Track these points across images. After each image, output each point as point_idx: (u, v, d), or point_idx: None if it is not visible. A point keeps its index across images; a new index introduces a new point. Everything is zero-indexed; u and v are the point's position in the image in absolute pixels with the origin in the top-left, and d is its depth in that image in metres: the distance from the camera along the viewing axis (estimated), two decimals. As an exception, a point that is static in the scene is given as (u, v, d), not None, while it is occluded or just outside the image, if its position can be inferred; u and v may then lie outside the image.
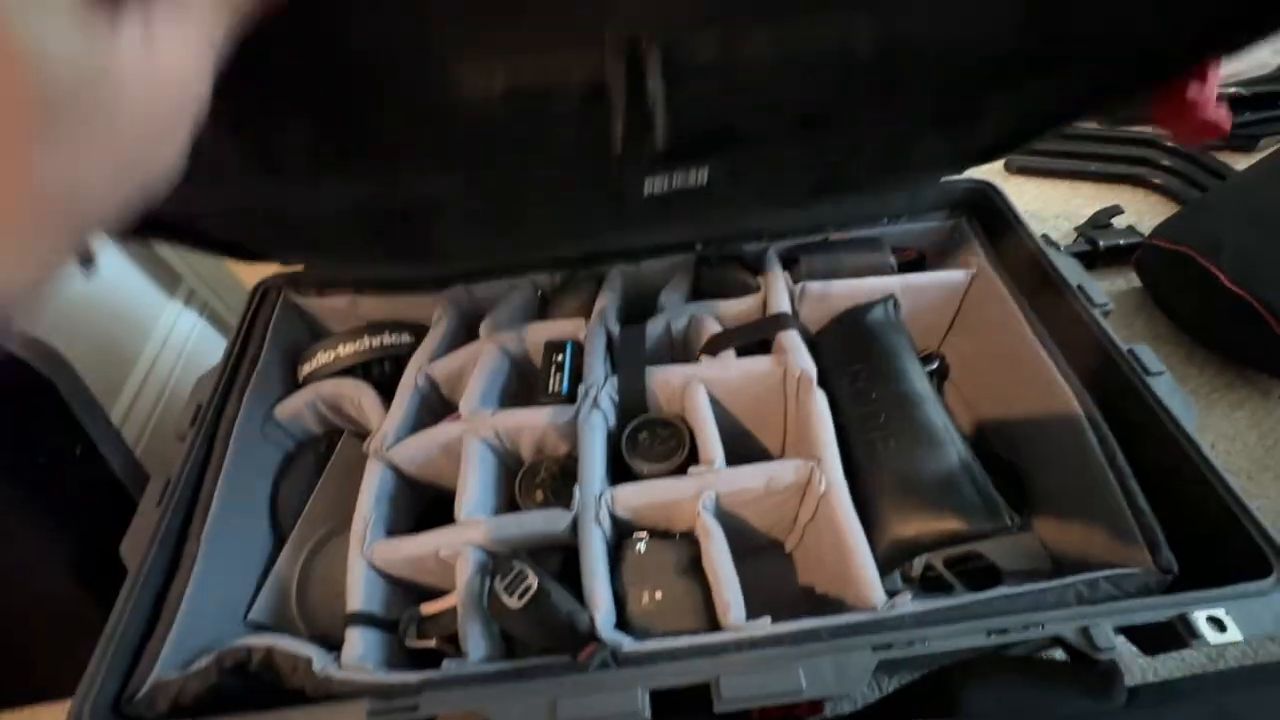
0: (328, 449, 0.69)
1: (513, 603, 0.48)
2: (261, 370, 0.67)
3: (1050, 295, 0.62)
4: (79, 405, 0.61)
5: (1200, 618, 0.42)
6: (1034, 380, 0.59)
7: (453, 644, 0.52)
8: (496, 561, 0.51)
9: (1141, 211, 1.02)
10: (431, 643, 0.53)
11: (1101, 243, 0.94)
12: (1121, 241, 0.94)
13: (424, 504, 0.68)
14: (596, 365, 0.63)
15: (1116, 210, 1.00)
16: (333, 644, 0.52)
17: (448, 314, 0.72)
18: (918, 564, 0.56)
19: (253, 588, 0.59)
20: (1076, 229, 1.00)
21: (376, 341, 0.69)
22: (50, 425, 0.58)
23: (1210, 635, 0.41)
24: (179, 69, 0.20)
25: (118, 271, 0.83)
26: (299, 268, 0.75)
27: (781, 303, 0.66)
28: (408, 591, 0.58)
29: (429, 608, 0.57)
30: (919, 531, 0.51)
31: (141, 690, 0.47)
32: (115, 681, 0.48)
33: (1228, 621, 0.41)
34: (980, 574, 0.59)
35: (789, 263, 0.72)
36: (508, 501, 0.62)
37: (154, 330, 0.86)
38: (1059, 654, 0.48)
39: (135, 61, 0.19)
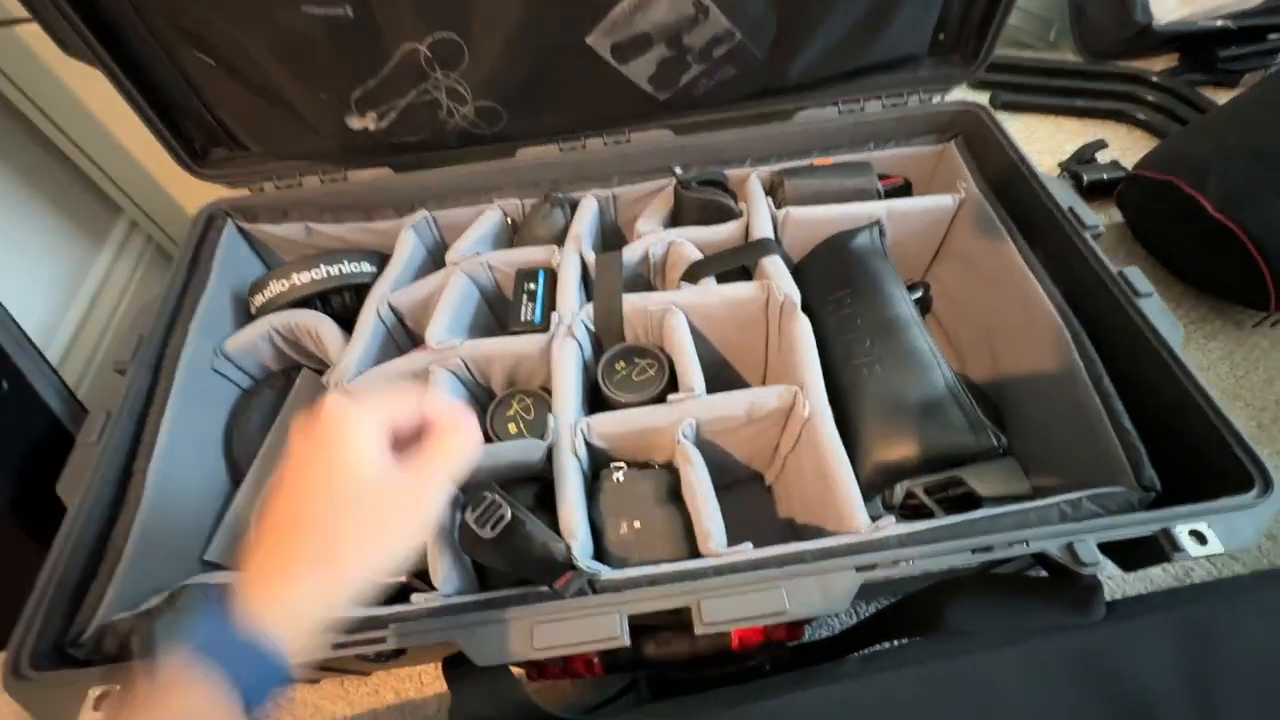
0: (287, 385, 0.65)
1: (485, 533, 0.45)
2: (209, 301, 0.62)
3: (1040, 218, 0.60)
4: (7, 340, 0.56)
5: (1183, 531, 0.41)
6: (1020, 304, 0.58)
7: (424, 580, 0.50)
8: (468, 493, 0.49)
9: (1126, 147, 1.01)
10: (401, 578, 0.51)
11: (1085, 177, 0.92)
12: (1105, 176, 0.92)
13: (391, 442, 0.65)
14: (570, 293, 0.60)
15: (1100, 145, 0.98)
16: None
17: (411, 242, 0.67)
18: (899, 491, 0.56)
19: (209, 527, 0.56)
20: (1060, 164, 0.98)
21: (334, 270, 0.65)
22: None
23: (1192, 548, 0.41)
24: (431, 497, 0.32)
25: (52, 205, 0.76)
26: (245, 192, 0.69)
27: (764, 228, 0.63)
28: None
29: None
30: (904, 455, 0.50)
31: (88, 631, 0.45)
32: (58, 622, 0.45)
33: (1209, 535, 0.41)
34: (960, 502, 0.58)
35: (772, 188, 0.69)
36: (484, 434, 0.59)
37: (94, 266, 0.80)
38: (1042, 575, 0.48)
39: (406, 485, 0.31)
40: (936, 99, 0.71)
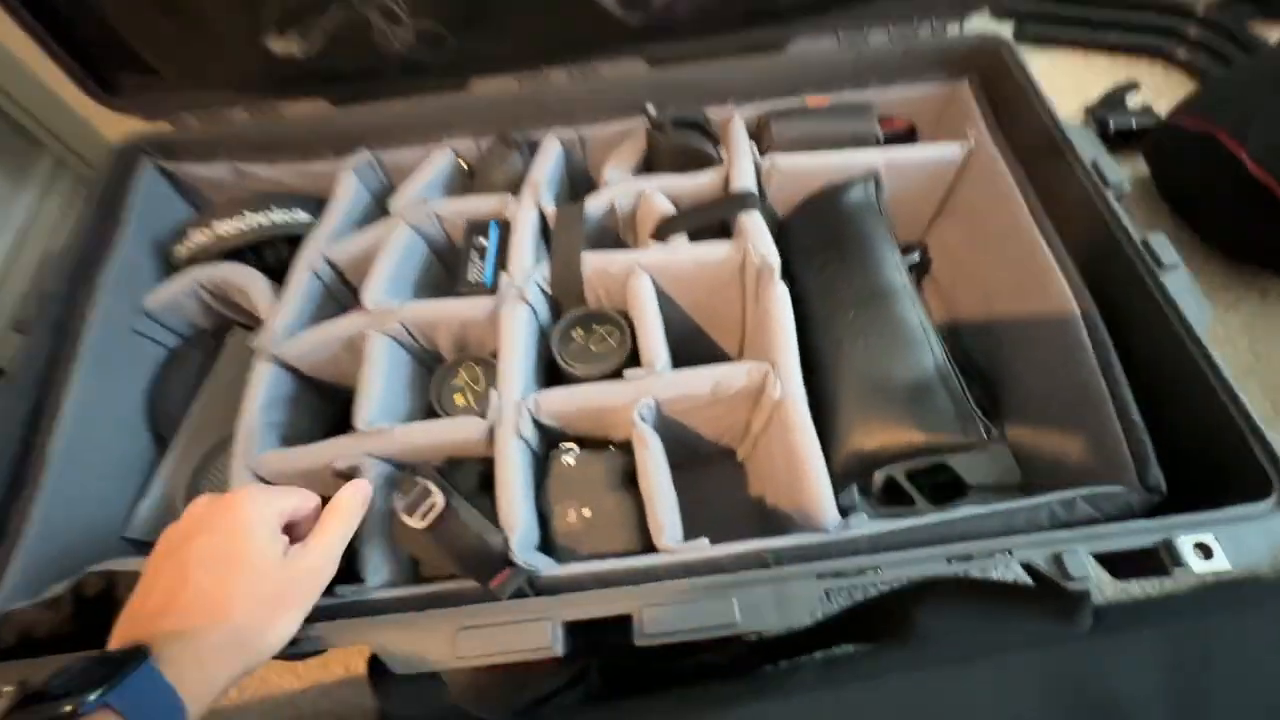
0: (217, 345, 0.60)
1: (414, 522, 0.41)
2: (126, 251, 0.56)
3: (1058, 172, 0.53)
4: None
5: (1186, 544, 0.37)
6: (1026, 270, 0.52)
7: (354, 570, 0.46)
8: (399, 480, 0.44)
9: (1159, 89, 0.91)
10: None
11: (1112, 123, 0.83)
12: (1134, 122, 0.83)
13: (337, 408, 0.60)
14: (525, 249, 0.54)
15: (1132, 86, 0.88)
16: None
17: (352, 186, 0.60)
18: (878, 477, 0.51)
19: (127, 500, 0.52)
20: (1086, 108, 0.89)
21: (263, 219, 0.58)
22: None
23: (1195, 563, 0.36)
24: (320, 563, 0.37)
25: None
26: (167, 128, 0.62)
27: (746, 178, 0.55)
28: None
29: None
30: (882, 443, 0.45)
31: (-18, 619, 0.41)
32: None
33: (1216, 549, 0.37)
34: (945, 487, 0.54)
35: (758, 131, 0.61)
36: (426, 407, 0.55)
37: (14, 208, 0.73)
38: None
39: (297, 558, 0.36)
40: (952, 30, 0.62)
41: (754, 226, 0.52)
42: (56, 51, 0.56)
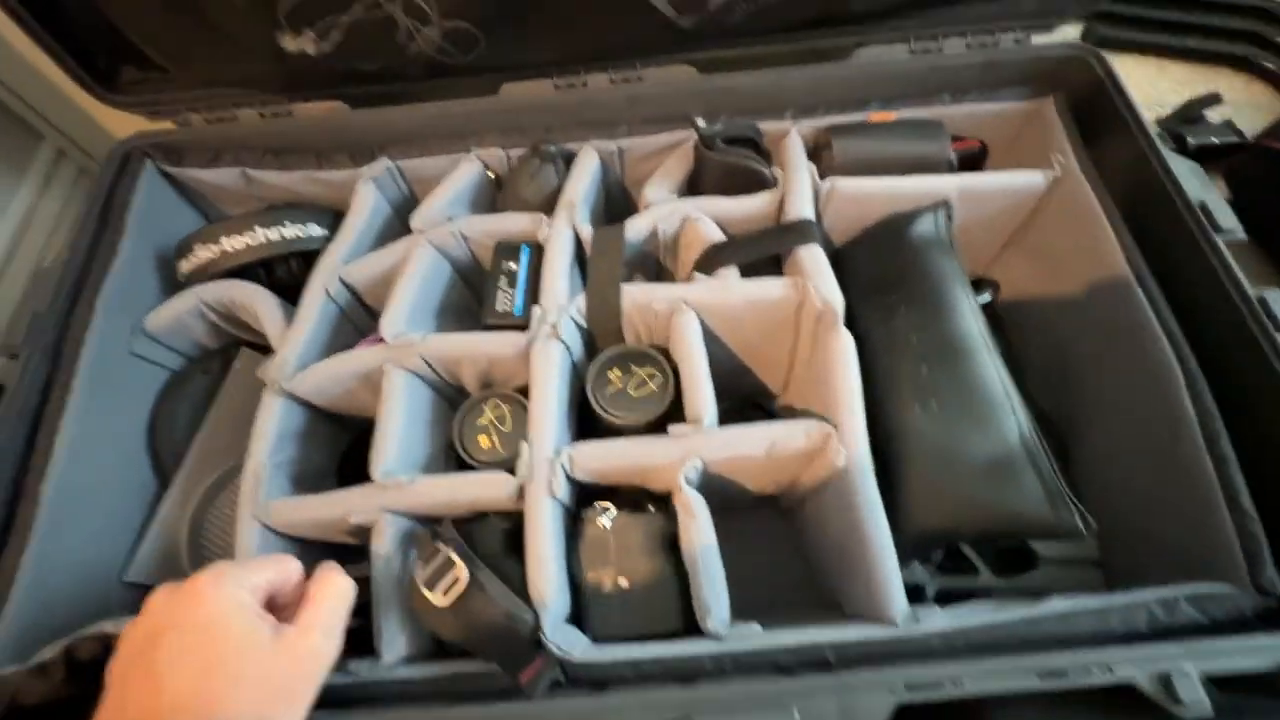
0: (224, 366, 0.56)
1: (436, 599, 0.37)
2: (123, 266, 0.52)
3: (1157, 212, 0.47)
4: None
5: (1316, 667, 0.32)
6: (1115, 322, 0.46)
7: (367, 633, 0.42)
8: (419, 542, 0.40)
9: (1241, 104, 0.84)
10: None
11: (1191, 140, 0.76)
12: (1215, 139, 0.76)
13: (351, 435, 0.56)
14: (559, 278, 0.49)
15: (1213, 100, 0.81)
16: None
17: (371, 199, 0.55)
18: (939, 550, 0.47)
19: (128, 539, 0.48)
20: (1159, 121, 0.82)
21: (273, 235, 0.53)
22: None
23: (1326, 693, 0.32)
24: (320, 641, 0.33)
25: None
26: (169, 125, 0.57)
27: (803, 204, 0.50)
28: (322, 551, 0.48)
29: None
30: (956, 522, 0.40)
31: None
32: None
33: (1353, 676, 0.32)
34: (1011, 554, 0.49)
35: (816, 148, 0.56)
36: (447, 444, 0.50)
37: (14, 202, 0.68)
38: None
39: (293, 639, 0.32)
40: (1036, 39, 0.56)
41: (815, 264, 0.47)
42: (50, 44, 0.51)
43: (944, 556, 0.49)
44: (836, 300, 0.45)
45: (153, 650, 0.30)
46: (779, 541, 0.55)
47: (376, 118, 0.56)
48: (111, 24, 0.51)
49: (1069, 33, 0.59)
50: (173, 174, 0.57)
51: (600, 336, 0.50)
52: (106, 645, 0.40)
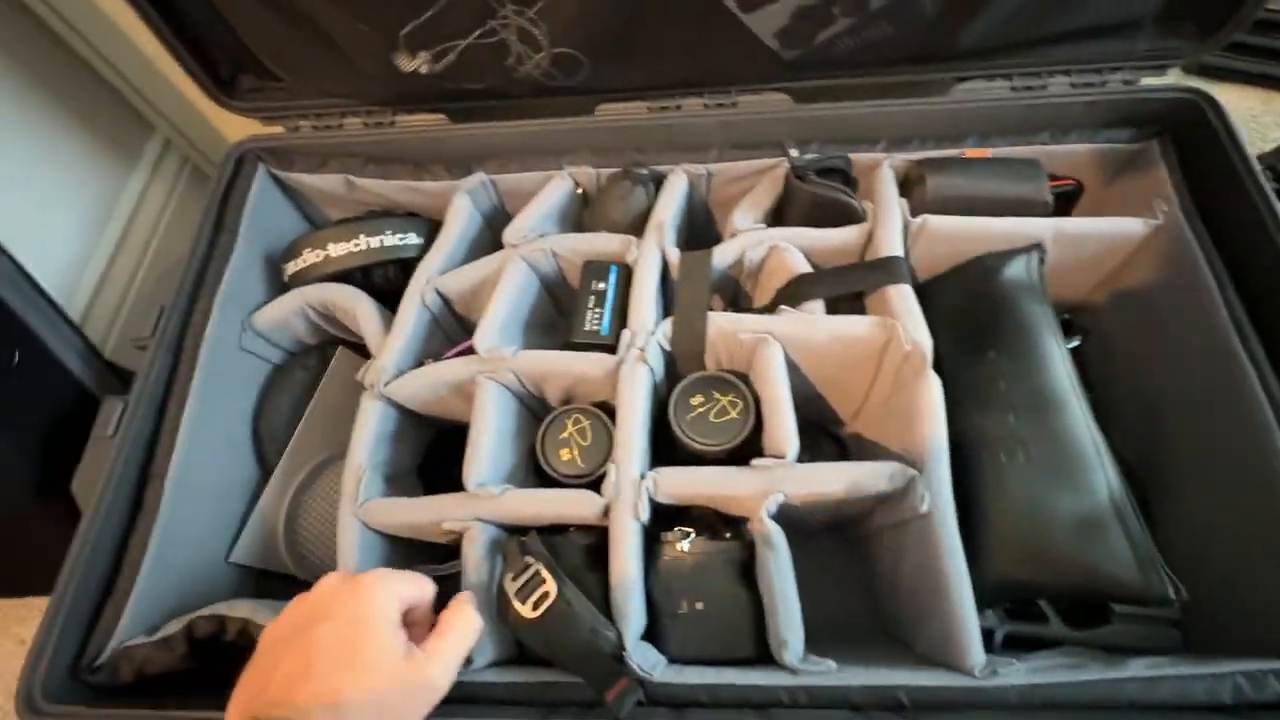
0: (321, 362, 0.59)
1: (525, 611, 0.40)
2: (237, 264, 0.55)
3: (1271, 273, 0.46)
4: (19, 301, 0.50)
5: None
6: (1219, 390, 0.45)
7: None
8: (507, 553, 0.43)
9: (1353, 139, 0.80)
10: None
11: (1295, 179, 0.73)
12: (1323, 180, 0.73)
13: (433, 432, 0.59)
14: (647, 301, 0.50)
15: (1323, 134, 0.77)
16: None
17: (466, 212, 0.57)
18: (1014, 595, 0.47)
19: (234, 527, 0.52)
20: (1260, 157, 0.78)
21: (375, 242, 0.56)
22: None
23: None
24: (437, 684, 0.34)
25: (79, 121, 0.68)
26: (278, 130, 0.60)
27: (894, 241, 0.50)
28: (411, 549, 0.51)
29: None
30: (1041, 577, 0.41)
31: (103, 655, 0.42)
32: (73, 643, 0.42)
33: None
34: (1085, 607, 0.49)
35: (907, 182, 0.55)
36: (528, 453, 0.52)
37: (125, 191, 0.73)
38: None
39: (417, 669, 0.33)
40: (1145, 80, 0.54)
41: (905, 305, 0.47)
42: (176, 48, 0.54)
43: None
44: (926, 344, 0.45)
45: (311, 630, 0.33)
46: (840, 567, 0.56)
47: (475, 132, 0.57)
48: (236, 37, 0.53)
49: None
50: (281, 177, 0.60)
51: (682, 360, 0.51)
52: (221, 624, 0.43)
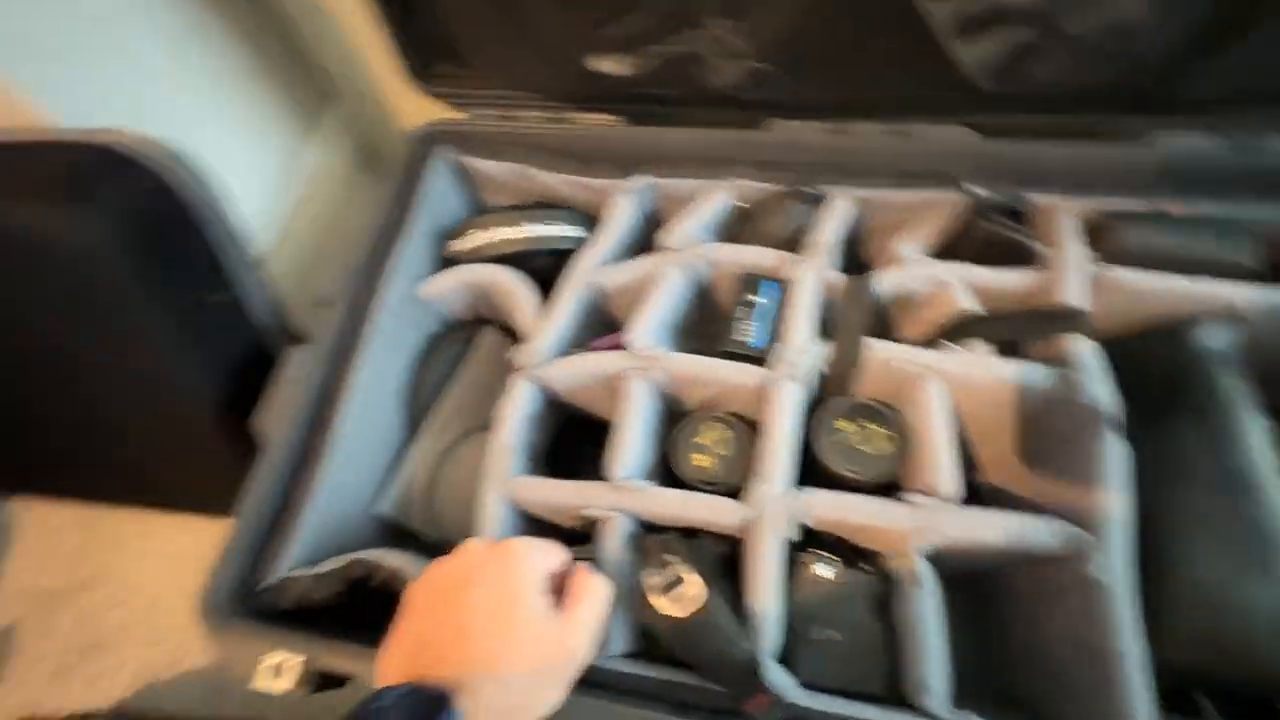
0: (468, 340, 0.62)
1: (671, 609, 0.40)
2: (412, 238, 0.59)
3: None
4: (228, 246, 0.55)
5: None
6: None
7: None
8: (647, 549, 0.43)
9: None
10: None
11: None
12: None
13: (564, 416, 0.60)
14: (804, 320, 0.50)
15: None
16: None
17: (629, 210, 0.59)
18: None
19: (379, 477, 0.55)
20: None
21: (537, 230, 0.58)
22: (193, 265, 0.53)
23: None
24: (578, 653, 0.36)
25: (267, 79, 0.74)
26: (460, 115, 0.63)
27: (1077, 291, 0.48)
28: (541, 529, 0.52)
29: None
30: (1222, 670, 0.38)
31: (270, 580, 0.45)
32: (247, 564, 0.45)
33: None
34: (1248, 703, 0.45)
35: (1092, 232, 0.53)
36: (661, 455, 0.53)
37: (302, 159, 0.79)
38: None
39: (560, 634, 0.35)
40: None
41: (1087, 360, 0.45)
42: (387, 28, 0.58)
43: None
44: (1111, 404, 0.43)
45: (463, 594, 0.34)
46: (953, 618, 0.53)
47: (646, 135, 0.59)
48: (442, 23, 0.57)
49: None
50: (458, 160, 0.63)
51: (833, 385, 0.50)
52: (370, 570, 0.46)
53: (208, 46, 0.66)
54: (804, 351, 0.49)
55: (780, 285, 0.54)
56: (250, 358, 0.59)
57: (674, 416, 0.53)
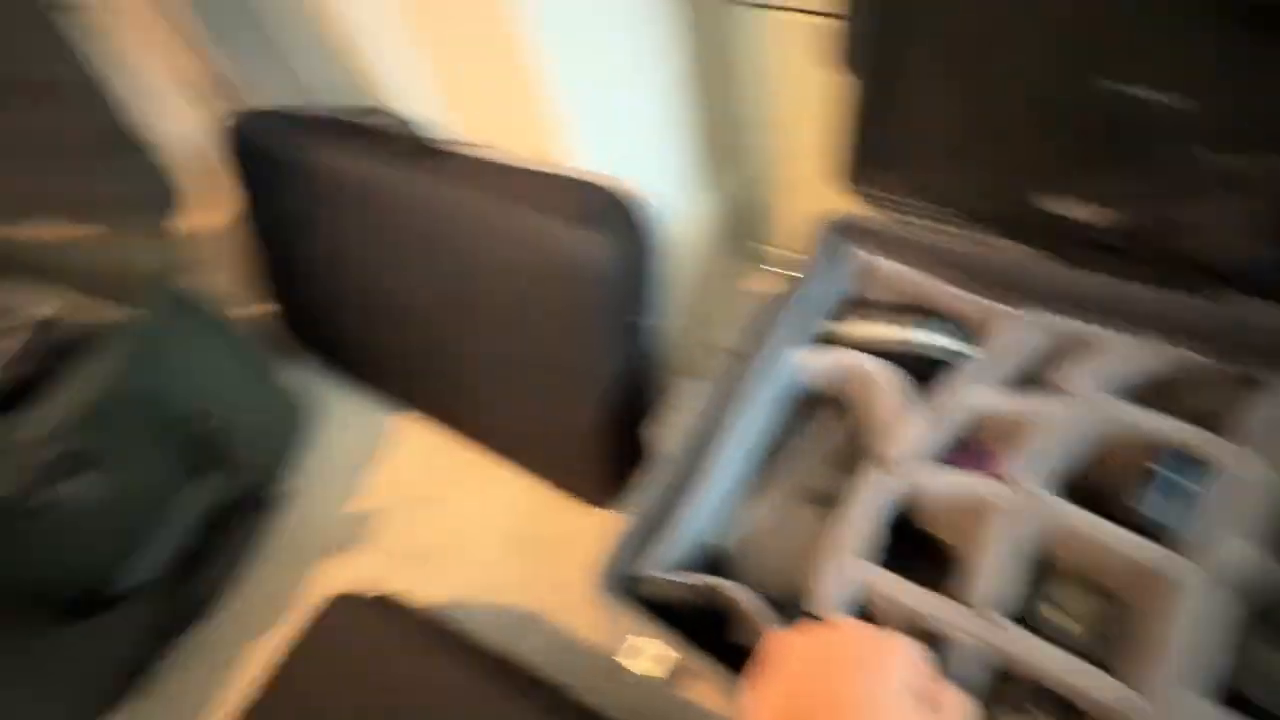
0: (816, 414, 0.66)
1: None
2: (794, 312, 0.64)
3: None
4: (656, 277, 0.65)
5: None
6: None
7: None
8: (1009, 694, 0.42)
9: None
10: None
11: None
12: None
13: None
14: (1242, 520, 0.45)
15: None
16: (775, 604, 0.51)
17: (1021, 339, 0.59)
18: None
19: (727, 514, 0.61)
20: None
21: (922, 337, 0.61)
22: (637, 291, 0.64)
23: None
24: None
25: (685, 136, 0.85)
26: (868, 213, 0.69)
27: None
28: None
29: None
30: None
31: (639, 574, 0.52)
32: (628, 557, 0.53)
33: None
34: None
35: None
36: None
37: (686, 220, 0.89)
38: None
39: None
40: None
41: None
42: (856, 121, 0.63)
43: None
44: None
45: (844, 672, 0.36)
46: None
47: (1062, 273, 0.58)
48: (904, 133, 0.62)
49: None
50: (857, 253, 0.68)
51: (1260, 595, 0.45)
52: (726, 601, 0.51)
53: (677, 101, 0.79)
54: (1242, 559, 0.44)
55: (1200, 468, 0.49)
56: (642, 377, 0.69)
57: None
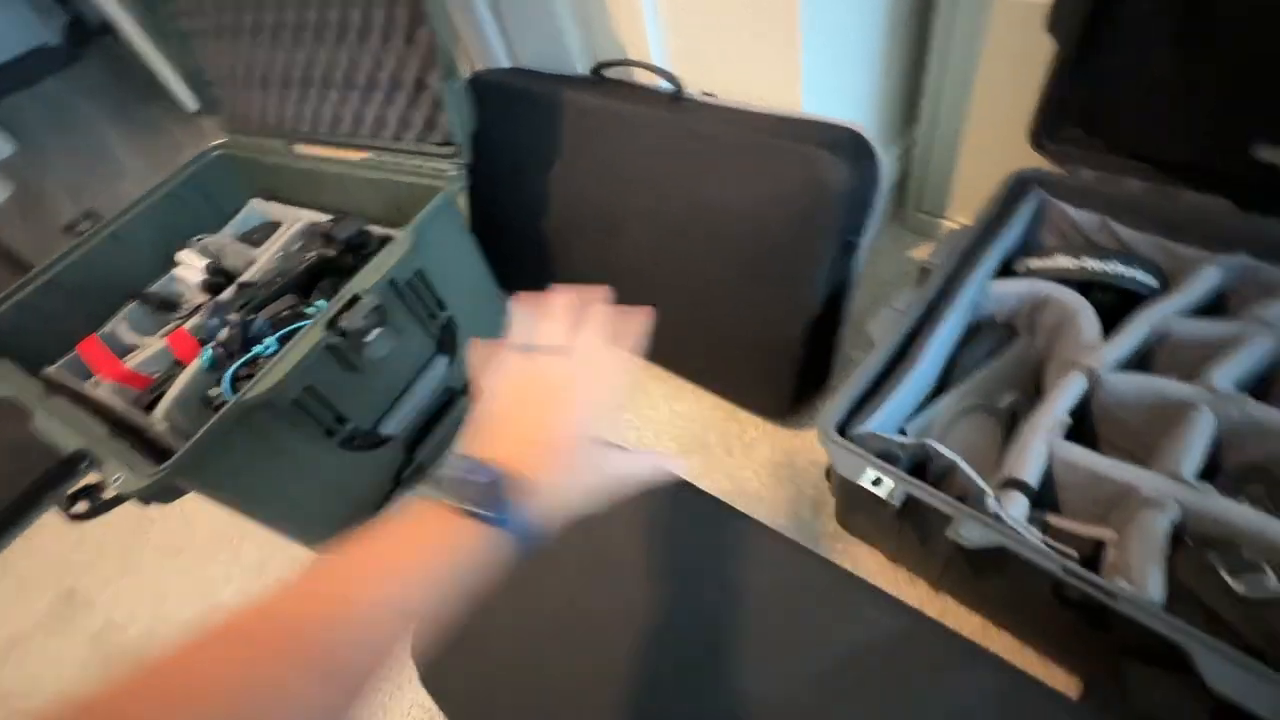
0: (1002, 336, 0.74)
1: (1237, 585, 0.46)
2: (990, 250, 0.73)
3: None
4: (876, 205, 0.75)
5: None
6: None
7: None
8: (1221, 547, 0.49)
9: None
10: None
11: None
12: None
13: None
14: None
15: None
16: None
17: (1215, 278, 0.65)
18: None
19: (914, 408, 0.70)
20: None
21: (1118, 269, 0.69)
22: (861, 217, 0.74)
23: None
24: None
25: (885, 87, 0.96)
26: (1058, 171, 0.77)
27: None
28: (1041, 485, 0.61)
29: (1060, 522, 0.60)
30: None
31: (860, 429, 0.62)
32: (844, 413, 0.64)
33: None
34: None
35: None
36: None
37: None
38: None
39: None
40: None
41: None
42: (1053, 81, 0.72)
43: None
44: None
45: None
46: None
47: (1247, 220, 0.65)
48: (1103, 92, 0.70)
49: None
50: (1045, 203, 0.76)
51: None
52: (935, 458, 0.60)
53: (884, 51, 0.90)
54: None
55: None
56: (841, 301, 0.79)
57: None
